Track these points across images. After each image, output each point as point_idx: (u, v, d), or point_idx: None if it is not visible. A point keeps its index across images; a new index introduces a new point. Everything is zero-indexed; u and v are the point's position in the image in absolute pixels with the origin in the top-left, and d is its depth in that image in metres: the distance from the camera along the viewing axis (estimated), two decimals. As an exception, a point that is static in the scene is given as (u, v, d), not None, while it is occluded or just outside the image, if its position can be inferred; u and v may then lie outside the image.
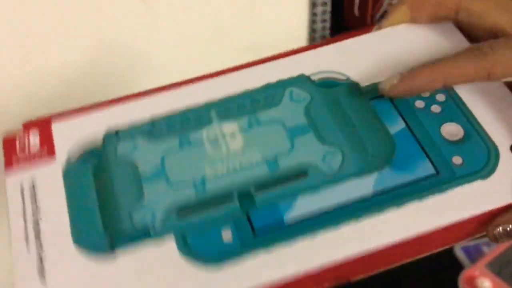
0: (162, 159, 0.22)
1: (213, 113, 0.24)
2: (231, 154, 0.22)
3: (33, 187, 0.22)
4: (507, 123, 0.22)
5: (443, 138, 0.22)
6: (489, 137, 0.22)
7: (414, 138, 0.22)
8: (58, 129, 0.24)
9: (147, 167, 0.22)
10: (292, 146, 0.22)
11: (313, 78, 0.25)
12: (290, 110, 0.23)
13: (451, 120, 0.23)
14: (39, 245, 0.20)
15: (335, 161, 0.22)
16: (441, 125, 0.23)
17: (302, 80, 0.24)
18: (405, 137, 0.22)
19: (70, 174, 0.22)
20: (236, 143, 0.23)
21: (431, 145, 0.22)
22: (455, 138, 0.22)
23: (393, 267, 0.21)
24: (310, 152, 0.22)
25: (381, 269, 0.20)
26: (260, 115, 0.23)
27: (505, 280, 0.51)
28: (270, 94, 0.24)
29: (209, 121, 0.23)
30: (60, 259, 0.20)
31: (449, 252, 0.54)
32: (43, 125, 0.24)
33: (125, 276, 0.19)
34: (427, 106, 0.23)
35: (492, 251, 0.54)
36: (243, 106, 0.24)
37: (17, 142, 0.23)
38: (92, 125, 0.24)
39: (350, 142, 0.22)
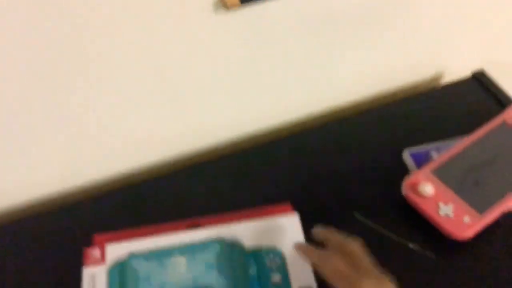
0: (149, 271, 0.51)
1: (176, 251, 0.53)
2: (179, 273, 0.51)
3: (93, 276, 0.51)
4: (301, 279, 0.50)
5: (271, 282, 0.50)
6: (290, 284, 0.50)
7: (258, 279, 0.50)
8: (109, 249, 0.53)
9: (142, 273, 0.51)
10: (206, 274, 0.51)
11: (226, 240, 0.53)
12: (209, 255, 0.52)
13: (277, 272, 0.51)
14: None
15: (222, 284, 0.50)
16: (271, 274, 0.51)
17: (219, 240, 0.53)
18: (253, 278, 0.51)
19: (110, 272, 0.51)
20: (183, 268, 0.51)
21: (264, 284, 0.50)
22: (276, 283, 0.50)
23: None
24: (212, 278, 0.51)
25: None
26: (196, 255, 0.52)
27: (450, 186, 0.55)
28: (203, 245, 0.53)
29: (173, 255, 0.52)
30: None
31: (397, 157, 0.62)
32: (101, 246, 0.53)
33: None
34: (269, 262, 0.51)
35: (440, 157, 0.58)
36: (190, 249, 0.52)
37: (90, 253, 0.53)
38: (123, 249, 0.53)
39: (231, 275, 0.51)
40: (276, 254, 0.52)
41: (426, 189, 0.55)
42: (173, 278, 0.51)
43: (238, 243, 0.53)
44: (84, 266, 0.52)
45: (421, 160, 0.60)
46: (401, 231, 0.56)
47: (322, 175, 0.62)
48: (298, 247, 0.46)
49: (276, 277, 0.51)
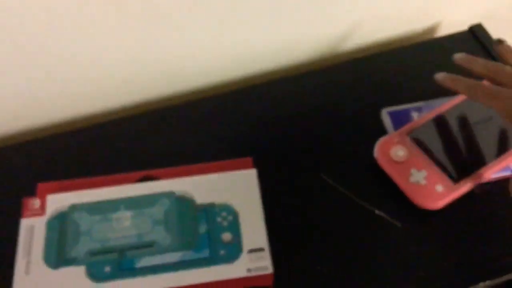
0: (91, 225, 0.47)
1: (121, 205, 0.48)
2: (123, 228, 0.47)
3: (32, 227, 0.47)
4: (253, 240, 0.46)
5: (221, 240, 0.46)
6: (241, 244, 0.46)
7: (207, 237, 0.46)
8: (49, 200, 0.49)
9: (84, 227, 0.47)
10: (152, 230, 0.47)
11: (176, 194, 0.49)
12: (157, 210, 0.48)
13: (228, 231, 0.47)
14: (28, 255, 0.46)
15: (168, 241, 0.46)
16: (222, 233, 0.46)
17: (169, 195, 0.49)
18: (203, 235, 0.47)
19: (49, 224, 0.47)
20: (127, 223, 0.47)
21: (214, 242, 0.46)
22: (227, 241, 0.46)
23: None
24: (158, 234, 0.46)
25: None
26: (143, 210, 0.48)
27: (425, 151, 0.51)
28: (151, 199, 0.49)
29: (118, 209, 0.48)
30: (35, 266, 0.45)
31: (378, 116, 0.57)
32: (43, 196, 0.49)
33: (60, 279, 0.45)
34: (220, 220, 0.47)
35: (419, 119, 0.54)
36: (136, 204, 0.48)
37: (29, 203, 0.49)
38: (65, 200, 0.49)
39: (179, 232, 0.47)
40: (229, 211, 0.48)
41: (398, 153, 0.51)
42: (117, 234, 0.47)
43: (189, 199, 0.49)
44: (22, 218, 0.48)
45: (401, 121, 0.54)
46: (371, 196, 0.51)
47: (291, 130, 0.57)
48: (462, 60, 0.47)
49: (227, 236, 0.47)
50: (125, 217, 0.48)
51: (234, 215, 0.48)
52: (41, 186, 0.50)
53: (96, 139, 0.57)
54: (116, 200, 0.49)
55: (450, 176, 0.50)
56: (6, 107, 0.57)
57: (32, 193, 0.50)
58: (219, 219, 0.48)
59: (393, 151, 0.51)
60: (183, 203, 0.48)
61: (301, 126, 0.58)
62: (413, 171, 0.50)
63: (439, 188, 0.49)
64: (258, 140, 0.57)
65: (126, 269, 0.45)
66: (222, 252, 0.46)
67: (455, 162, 0.50)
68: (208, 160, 0.52)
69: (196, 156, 0.54)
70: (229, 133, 0.58)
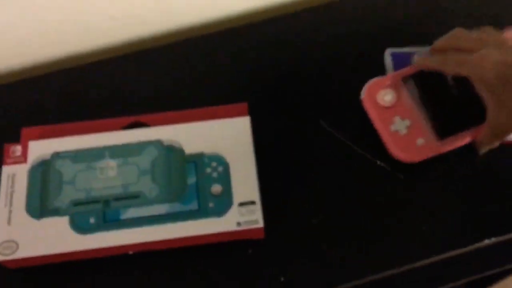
0: (75, 174, 0.45)
1: (106, 153, 0.46)
2: (108, 178, 0.45)
3: (13, 175, 0.45)
4: (244, 193, 0.43)
5: (210, 192, 0.44)
6: (231, 197, 0.43)
7: (196, 189, 0.44)
8: (31, 146, 0.46)
9: (67, 176, 0.45)
10: (138, 180, 0.44)
11: (164, 143, 0.46)
12: (144, 160, 0.45)
13: (218, 183, 0.44)
14: (10, 205, 0.44)
15: (155, 192, 0.44)
16: (212, 184, 0.44)
17: (156, 143, 0.46)
18: (192, 187, 0.44)
19: (31, 172, 0.45)
20: (112, 172, 0.45)
21: (203, 194, 0.44)
22: (216, 193, 0.44)
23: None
24: (144, 185, 0.44)
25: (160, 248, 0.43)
26: (129, 159, 0.45)
27: (416, 100, 0.47)
28: (137, 148, 0.46)
29: (103, 157, 0.45)
30: (17, 216, 0.43)
31: (380, 57, 0.52)
32: (25, 142, 0.47)
33: (43, 230, 0.43)
34: (210, 171, 0.44)
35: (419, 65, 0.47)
36: (122, 152, 0.46)
37: (10, 150, 0.46)
38: (48, 147, 0.46)
39: (166, 183, 0.44)
40: (220, 162, 0.45)
41: (385, 97, 0.46)
42: (101, 184, 0.45)
43: (178, 148, 0.46)
44: (3, 165, 0.46)
45: (404, 64, 0.49)
46: (372, 147, 0.48)
47: (289, 72, 0.53)
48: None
49: (216, 188, 0.44)
50: (110, 166, 0.45)
51: (225, 166, 0.45)
52: (24, 131, 0.48)
53: (84, 81, 0.54)
54: (101, 148, 0.46)
55: (436, 131, 0.45)
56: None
57: (15, 138, 0.47)
58: (208, 170, 0.45)
59: (380, 94, 0.46)
60: (171, 152, 0.46)
61: (300, 67, 0.54)
62: (396, 118, 0.46)
63: (420, 141, 0.45)
64: (254, 83, 0.53)
65: (111, 221, 0.43)
66: (211, 204, 0.43)
67: (446, 117, 0.46)
68: (201, 104, 0.49)
69: (188, 100, 0.51)
70: (223, 75, 0.54)
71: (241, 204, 0.43)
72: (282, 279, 0.43)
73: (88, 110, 0.52)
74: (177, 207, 0.44)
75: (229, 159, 0.45)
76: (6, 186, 0.45)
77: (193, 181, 0.44)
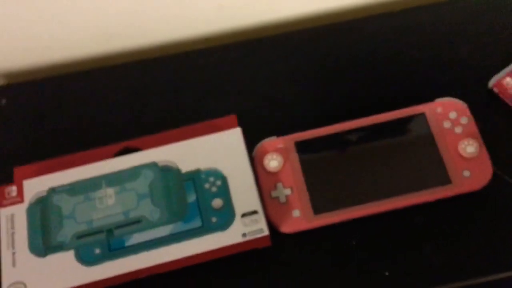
0: (73, 207, 0.45)
1: (102, 182, 0.46)
2: (108, 207, 0.44)
3: (12, 216, 0.45)
4: (245, 203, 0.43)
5: (212, 207, 0.44)
6: (233, 209, 0.43)
7: (197, 206, 0.44)
8: (26, 185, 0.46)
9: (66, 210, 0.45)
10: (138, 205, 0.44)
11: (159, 165, 0.46)
12: (141, 184, 0.45)
13: (218, 197, 0.44)
14: (13, 247, 0.44)
15: (156, 215, 0.44)
16: (212, 199, 0.44)
17: (151, 166, 0.46)
18: (193, 205, 0.44)
19: (29, 211, 0.45)
20: (111, 201, 0.45)
21: (204, 210, 0.44)
22: (218, 207, 0.44)
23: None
24: (145, 209, 0.44)
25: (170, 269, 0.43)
26: (126, 185, 0.45)
27: (304, 168, 0.46)
28: (133, 173, 0.46)
29: (100, 186, 0.45)
30: (22, 256, 0.43)
31: None
32: (19, 181, 0.46)
33: (49, 267, 0.42)
34: (209, 186, 0.44)
35: (318, 130, 0.47)
36: (118, 179, 0.45)
37: (5, 192, 0.46)
38: (43, 184, 0.46)
39: (167, 205, 0.44)
40: (217, 176, 0.45)
41: (271, 162, 0.46)
42: (101, 213, 0.44)
43: (174, 168, 0.46)
44: (0, 208, 0.45)
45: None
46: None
47: (277, 87, 0.54)
48: None
49: (217, 202, 0.44)
50: (108, 194, 0.45)
51: (223, 179, 0.45)
52: (16, 170, 0.47)
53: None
54: (97, 178, 0.46)
55: (313, 205, 0.45)
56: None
57: (6, 179, 0.47)
58: (207, 186, 0.45)
59: (267, 158, 0.46)
60: (167, 173, 0.46)
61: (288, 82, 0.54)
62: (279, 185, 0.45)
63: (296, 213, 0.44)
64: (242, 96, 0.53)
65: (116, 249, 0.43)
66: (214, 219, 0.44)
67: (333, 190, 0.45)
68: (189, 122, 0.49)
69: (176, 119, 0.51)
70: (210, 91, 0.54)
71: (244, 215, 0.44)
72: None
73: (77, 142, 0.51)
74: (180, 226, 0.44)
75: (226, 172, 0.45)
76: (6, 228, 0.45)
77: (193, 199, 0.45)
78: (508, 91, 0.48)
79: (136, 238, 0.43)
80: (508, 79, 0.48)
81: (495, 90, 0.49)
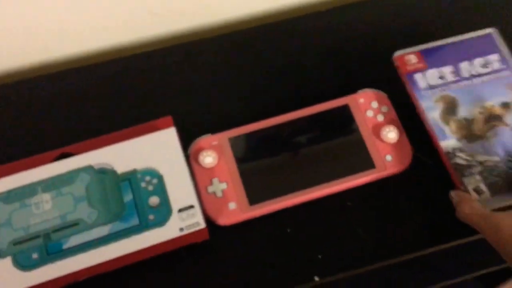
0: (9, 215, 0.45)
1: (39, 188, 0.46)
2: (44, 212, 0.45)
3: None
4: (181, 199, 0.45)
5: (149, 205, 0.45)
6: (169, 205, 0.45)
7: (134, 205, 0.45)
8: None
9: (1, 219, 0.45)
10: (75, 208, 0.45)
11: (95, 168, 0.47)
12: (77, 187, 0.46)
13: (154, 195, 0.45)
14: None
15: (94, 216, 0.44)
16: (148, 197, 0.45)
17: (87, 169, 0.47)
18: (130, 204, 0.45)
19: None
20: (48, 206, 0.45)
21: (141, 209, 0.45)
22: (154, 205, 0.45)
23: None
24: (82, 212, 0.45)
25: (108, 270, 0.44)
26: (62, 189, 0.46)
27: (238, 162, 0.47)
28: (69, 177, 0.46)
29: (36, 192, 0.46)
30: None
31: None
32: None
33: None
34: (145, 185, 0.46)
35: (249, 125, 0.49)
36: (55, 184, 0.46)
37: None
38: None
39: (104, 206, 0.45)
40: (153, 175, 0.46)
41: (206, 159, 0.47)
42: (38, 218, 0.45)
43: (110, 170, 0.47)
44: None
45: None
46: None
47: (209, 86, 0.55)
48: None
49: (154, 200, 0.45)
50: (45, 199, 0.45)
51: (159, 177, 0.46)
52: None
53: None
54: (33, 184, 0.46)
55: (248, 196, 0.46)
56: None
57: None
58: (143, 185, 0.46)
59: (202, 155, 0.47)
60: (103, 175, 0.46)
61: (218, 82, 0.56)
62: (215, 180, 0.47)
63: (232, 205, 0.46)
64: (178, 98, 0.55)
65: (54, 253, 0.43)
66: (151, 216, 0.45)
67: (266, 181, 0.47)
68: (127, 126, 0.50)
69: (114, 124, 0.52)
70: (145, 94, 0.55)
71: (181, 210, 0.45)
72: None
73: (12, 151, 0.51)
74: (118, 226, 0.44)
75: (162, 170, 0.47)
76: None
77: (130, 198, 0.46)
78: (406, 67, 0.51)
79: (74, 240, 0.44)
80: (412, 56, 0.51)
81: (396, 63, 0.51)
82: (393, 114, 0.50)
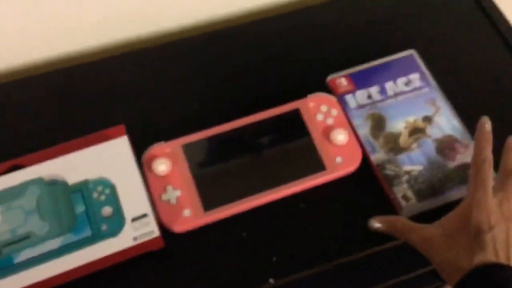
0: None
1: (-13, 202, 0.45)
2: (-6, 226, 0.44)
3: None
4: (135, 208, 0.45)
5: (101, 216, 0.45)
6: (122, 215, 0.45)
7: (86, 216, 0.45)
8: None
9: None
10: (25, 221, 0.44)
11: (46, 180, 0.46)
12: (28, 200, 0.45)
13: (107, 205, 0.45)
14: None
15: (45, 229, 0.44)
16: (101, 208, 0.45)
17: (37, 181, 0.46)
18: (82, 215, 0.45)
19: None
20: (-3, 220, 0.44)
21: (94, 220, 0.44)
22: (107, 215, 0.45)
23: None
24: (33, 225, 0.44)
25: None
26: (12, 203, 0.45)
27: (192, 169, 0.48)
28: (19, 190, 0.45)
29: (-15, 207, 0.45)
30: None
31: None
32: None
33: None
34: (97, 196, 0.45)
35: (202, 132, 0.49)
36: (3, 198, 0.45)
37: None
38: None
39: (55, 218, 0.44)
40: (105, 185, 0.46)
41: (160, 166, 0.47)
42: (-13, 234, 0.44)
43: (61, 181, 0.46)
44: None
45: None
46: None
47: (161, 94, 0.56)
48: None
49: (106, 210, 0.45)
50: (-6, 214, 0.45)
51: (111, 187, 0.46)
52: None
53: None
54: (-20, 198, 0.45)
55: (203, 203, 0.47)
56: None
57: None
58: (95, 195, 0.46)
59: (156, 162, 0.47)
60: (54, 187, 0.46)
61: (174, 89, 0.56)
62: (169, 188, 0.47)
63: (187, 212, 0.46)
64: (130, 106, 0.55)
65: (4, 268, 0.43)
66: (104, 227, 0.45)
67: (220, 187, 0.48)
68: (79, 136, 0.49)
69: (65, 134, 0.51)
70: (97, 103, 0.55)
71: (134, 219, 0.45)
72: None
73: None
74: (70, 238, 0.44)
75: (114, 179, 0.46)
76: None
77: (82, 210, 0.45)
78: (338, 89, 0.54)
79: (26, 254, 0.43)
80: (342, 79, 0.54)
81: (329, 86, 0.54)
82: (342, 117, 0.51)
